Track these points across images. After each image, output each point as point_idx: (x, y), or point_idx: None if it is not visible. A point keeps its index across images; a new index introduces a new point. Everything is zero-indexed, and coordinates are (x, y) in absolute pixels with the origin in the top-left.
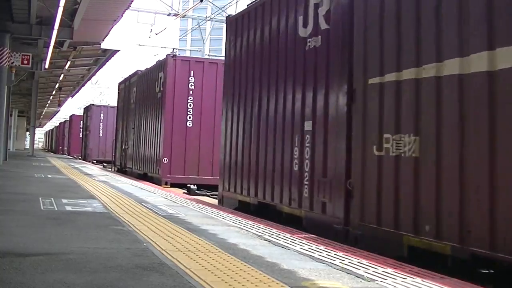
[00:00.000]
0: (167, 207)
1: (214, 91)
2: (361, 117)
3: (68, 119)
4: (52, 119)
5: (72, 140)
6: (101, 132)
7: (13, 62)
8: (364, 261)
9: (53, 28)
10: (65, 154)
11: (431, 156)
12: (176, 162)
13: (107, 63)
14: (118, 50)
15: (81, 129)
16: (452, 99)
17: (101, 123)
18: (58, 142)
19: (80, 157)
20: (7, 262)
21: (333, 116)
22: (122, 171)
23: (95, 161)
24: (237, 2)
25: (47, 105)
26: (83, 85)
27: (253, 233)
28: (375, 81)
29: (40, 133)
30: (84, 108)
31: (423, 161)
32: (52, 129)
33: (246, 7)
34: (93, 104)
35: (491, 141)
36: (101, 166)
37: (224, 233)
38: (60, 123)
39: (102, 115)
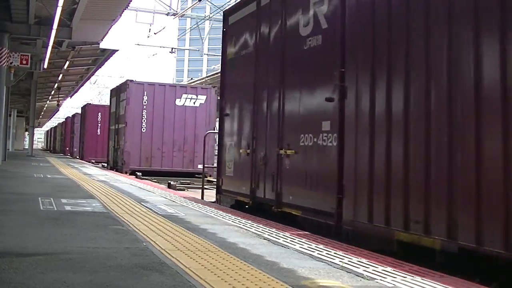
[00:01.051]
0: (166, 206)
1: None
2: None
3: (80, 111)
4: (51, 119)
5: (86, 139)
6: (144, 125)
7: (12, 62)
8: (364, 260)
9: (51, 28)
10: (76, 157)
11: None
12: None
13: (106, 63)
14: (117, 50)
15: (99, 124)
16: None
17: (144, 111)
18: (64, 142)
19: (106, 165)
20: (6, 262)
21: None
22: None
23: (138, 173)
24: (235, 1)
25: (46, 105)
26: (82, 85)
27: (253, 232)
28: None
29: (39, 133)
30: (112, 90)
31: None
32: (56, 127)
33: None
34: (132, 80)
35: None
36: (169, 189)
37: (223, 232)
38: (66, 118)
39: (145, 98)
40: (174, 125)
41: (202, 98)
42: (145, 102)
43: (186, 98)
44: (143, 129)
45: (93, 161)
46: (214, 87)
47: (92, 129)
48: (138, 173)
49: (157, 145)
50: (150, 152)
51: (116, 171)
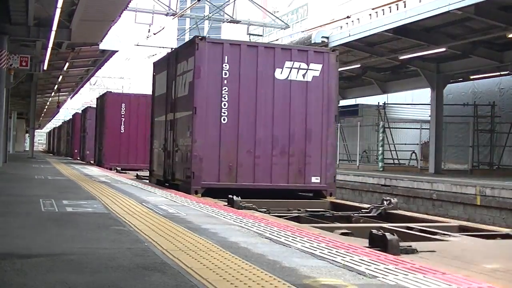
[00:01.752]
0: (167, 206)
1: None
2: None
3: (96, 102)
4: (51, 121)
5: (106, 140)
6: (225, 113)
7: (12, 64)
8: (366, 258)
9: (51, 30)
10: (90, 162)
11: None
12: None
13: (106, 64)
14: (117, 51)
15: (123, 118)
16: None
17: (225, 90)
18: (71, 143)
19: (147, 176)
20: (8, 263)
21: None
22: None
23: (236, 197)
24: (234, 1)
25: (46, 106)
26: (81, 86)
27: (254, 231)
28: None
29: (40, 135)
30: (160, 61)
31: None
32: (60, 126)
33: None
34: (203, 38)
35: None
36: None
37: (224, 232)
38: (75, 115)
39: (226, 67)
40: (274, 112)
41: (316, 68)
42: (225, 74)
43: (292, 68)
44: (224, 119)
45: (118, 168)
46: (333, 50)
47: (113, 126)
48: (235, 197)
49: (246, 146)
50: (235, 157)
51: (172, 188)
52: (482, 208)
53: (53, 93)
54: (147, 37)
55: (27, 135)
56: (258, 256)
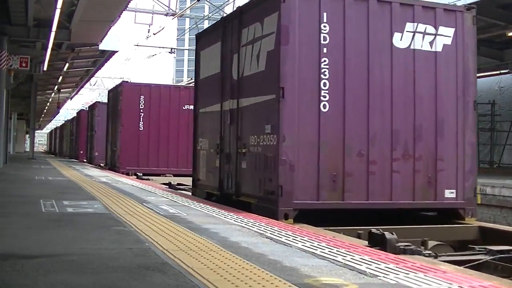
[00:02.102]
0: (168, 206)
1: None
2: None
3: (107, 96)
4: (51, 122)
5: (122, 139)
6: (325, 96)
7: (12, 65)
8: (366, 257)
9: (50, 30)
10: (100, 165)
11: None
12: None
13: (106, 64)
14: (117, 51)
15: (142, 113)
16: None
17: (324, 62)
18: (76, 143)
19: (189, 187)
20: (9, 264)
21: None
22: None
23: (392, 236)
24: (234, 1)
25: (46, 107)
26: (81, 87)
27: (255, 231)
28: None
29: (40, 136)
30: (213, 27)
31: None
32: (62, 125)
33: None
34: None
35: None
36: None
37: (225, 232)
38: (80, 112)
39: (325, 29)
40: (392, 96)
41: (447, 33)
42: (324, 40)
43: (415, 32)
44: (324, 106)
45: (139, 174)
46: (469, 8)
47: (130, 123)
48: (387, 234)
49: (356, 145)
50: (341, 162)
51: (237, 208)
52: (482, 206)
53: (53, 94)
54: (147, 37)
55: (27, 135)
56: (259, 256)
